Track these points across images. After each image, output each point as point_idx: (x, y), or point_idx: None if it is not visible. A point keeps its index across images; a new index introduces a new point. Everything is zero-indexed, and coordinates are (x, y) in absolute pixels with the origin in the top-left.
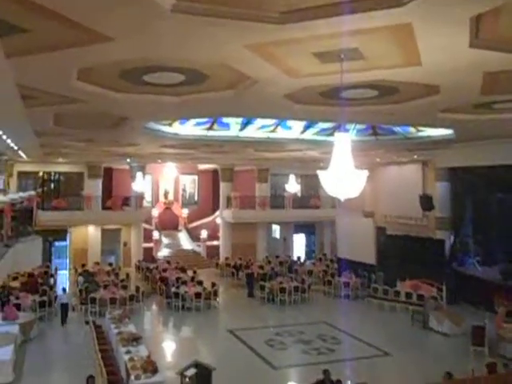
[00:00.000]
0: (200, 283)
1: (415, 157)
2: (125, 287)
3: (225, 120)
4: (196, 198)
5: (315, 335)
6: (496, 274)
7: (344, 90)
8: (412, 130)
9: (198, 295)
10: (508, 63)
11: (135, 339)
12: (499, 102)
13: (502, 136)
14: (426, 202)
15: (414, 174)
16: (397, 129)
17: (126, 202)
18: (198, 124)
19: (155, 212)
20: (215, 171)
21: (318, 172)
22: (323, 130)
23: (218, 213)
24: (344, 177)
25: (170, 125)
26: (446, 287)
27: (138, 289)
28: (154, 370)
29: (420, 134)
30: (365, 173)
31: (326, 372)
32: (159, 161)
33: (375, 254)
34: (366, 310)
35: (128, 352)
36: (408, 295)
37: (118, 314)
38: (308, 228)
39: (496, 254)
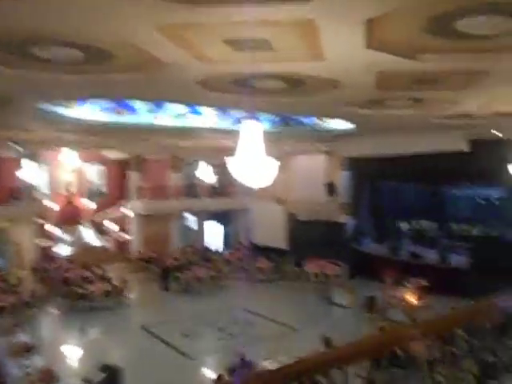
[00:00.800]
0: (109, 280)
1: (322, 147)
2: (16, 293)
3: (133, 105)
4: (103, 189)
5: (230, 321)
6: (385, 251)
7: (254, 79)
8: (318, 121)
9: (107, 293)
10: (398, 65)
11: (29, 350)
12: (388, 99)
13: (392, 129)
14: (331, 189)
15: (321, 163)
16: (305, 120)
17: (14, 194)
18: (105, 109)
19: (54, 206)
20: (125, 160)
21: (226, 159)
22: (238, 118)
23: (128, 204)
24: (254, 165)
25: (67, 107)
26: (347, 265)
27: (33, 293)
28: (54, 381)
29: (326, 125)
30: (276, 162)
31: (240, 355)
32: (55, 147)
33: (287, 239)
34: (278, 292)
35: (21, 365)
36: (315, 275)
37: (7, 323)
38: (224, 216)
39: (386, 234)
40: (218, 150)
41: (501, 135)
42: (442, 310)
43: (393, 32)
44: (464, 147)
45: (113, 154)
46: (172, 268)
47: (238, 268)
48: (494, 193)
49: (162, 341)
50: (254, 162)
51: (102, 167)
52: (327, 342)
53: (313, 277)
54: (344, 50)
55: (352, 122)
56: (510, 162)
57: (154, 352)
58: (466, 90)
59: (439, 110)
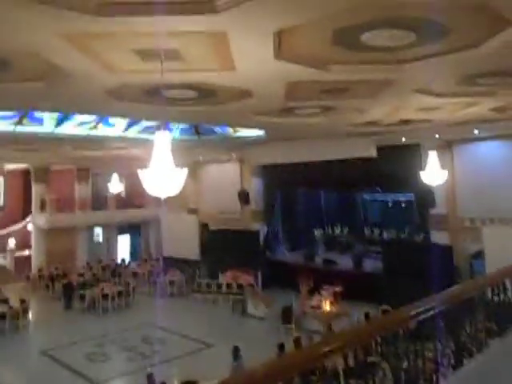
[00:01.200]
0: (5, 302)
1: (233, 155)
2: None
3: (37, 115)
4: (2, 203)
5: (140, 339)
6: (300, 259)
7: (165, 89)
8: (230, 130)
9: (2, 316)
10: (305, 75)
11: None
12: (299, 108)
13: (303, 137)
14: (244, 197)
15: (233, 171)
16: (217, 129)
17: None
18: (3, 118)
19: None
20: (27, 171)
21: (139, 171)
22: (147, 127)
23: (31, 218)
24: (164, 175)
25: None
26: (260, 274)
27: None
28: None
29: (237, 133)
30: (184, 171)
31: (149, 376)
32: None
33: (199, 250)
34: (190, 306)
35: None
36: (229, 286)
37: None
38: (133, 228)
39: (300, 241)
40: (127, 159)
41: (405, 140)
42: (357, 316)
43: (302, 44)
44: (373, 153)
45: (14, 165)
46: (76, 285)
47: (148, 282)
48: (403, 197)
49: (64, 366)
50: (164, 172)
51: (0, 179)
52: (235, 352)
53: (227, 288)
54: (254, 61)
55: (263, 130)
56: (418, 168)
57: (55, 379)
58: (373, 98)
59: (348, 118)
